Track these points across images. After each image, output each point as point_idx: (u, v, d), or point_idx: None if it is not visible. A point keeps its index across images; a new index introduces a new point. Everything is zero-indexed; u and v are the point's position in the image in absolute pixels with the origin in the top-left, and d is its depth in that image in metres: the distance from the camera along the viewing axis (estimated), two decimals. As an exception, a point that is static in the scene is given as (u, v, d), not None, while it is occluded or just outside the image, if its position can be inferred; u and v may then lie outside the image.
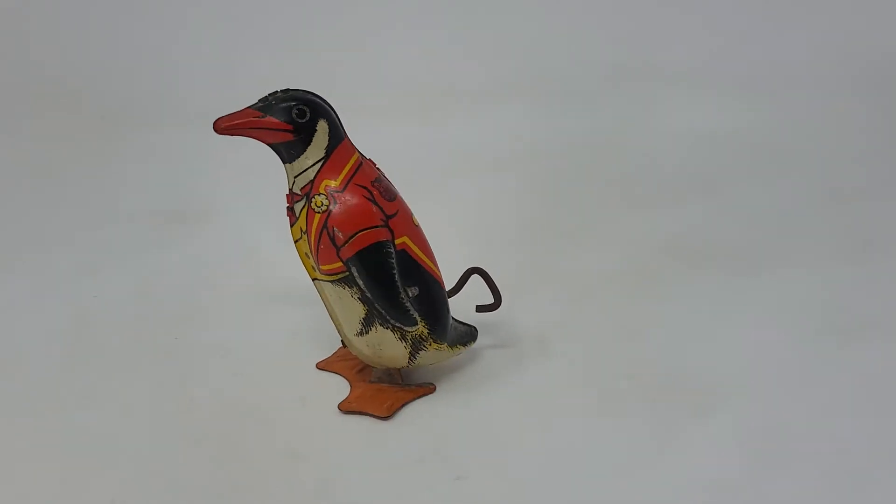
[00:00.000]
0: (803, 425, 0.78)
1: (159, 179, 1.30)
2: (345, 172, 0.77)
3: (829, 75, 1.47)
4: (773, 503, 0.71)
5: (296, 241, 0.79)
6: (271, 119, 0.74)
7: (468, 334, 0.86)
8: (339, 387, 0.86)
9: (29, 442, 0.80)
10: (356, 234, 0.76)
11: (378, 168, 0.81)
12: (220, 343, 0.92)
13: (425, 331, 0.81)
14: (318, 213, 0.76)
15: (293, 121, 0.75)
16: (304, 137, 0.75)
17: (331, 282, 0.78)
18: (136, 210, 1.21)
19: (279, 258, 0.98)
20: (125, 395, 0.85)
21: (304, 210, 0.77)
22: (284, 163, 0.77)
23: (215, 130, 0.74)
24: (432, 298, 0.81)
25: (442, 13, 1.56)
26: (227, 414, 0.82)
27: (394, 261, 0.77)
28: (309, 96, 0.76)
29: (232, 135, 0.74)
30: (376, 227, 0.76)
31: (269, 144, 0.76)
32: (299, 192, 0.77)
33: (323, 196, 0.76)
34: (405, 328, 0.80)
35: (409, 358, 0.82)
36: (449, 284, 0.85)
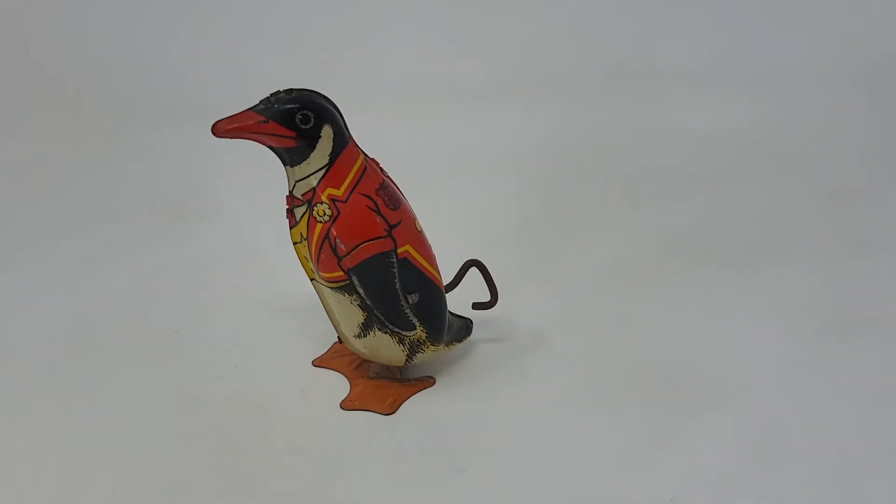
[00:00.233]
0: (803, 423, 0.78)
1: (159, 178, 1.30)
2: (349, 180, 0.74)
3: (828, 74, 1.47)
4: (772, 500, 0.71)
5: (295, 244, 0.78)
6: (273, 125, 0.71)
7: (464, 328, 0.86)
8: (338, 382, 0.86)
9: (29, 439, 0.80)
10: (359, 245, 0.74)
11: (382, 169, 0.79)
12: (220, 340, 0.92)
13: (423, 335, 0.81)
14: (320, 222, 0.74)
15: (297, 127, 0.71)
16: (307, 144, 0.72)
17: (330, 288, 0.78)
18: (137, 208, 1.21)
19: (279, 256, 0.98)
20: (125, 392, 0.85)
21: (306, 216, 0.75)
22: (285, 165, 0.75)
23: (214, 134, 0.70)
24: (432, 304, 0.80)
25: (441, 12, 1.56)
26: (226, 410, 0.83)
27: (395, 270, 0.76)
28: (314, 98, 0.72)
29: (232, 138, 0.71)
30: (379, 238, 0.75)
31: (269, 147, 0.74)
32: (300, 197, 0.75)
33: (325, 205, 0.74)
34: (403, 333, 0.80)
35: (407, 359, 0.82)
36: (447, 280, 0.86)
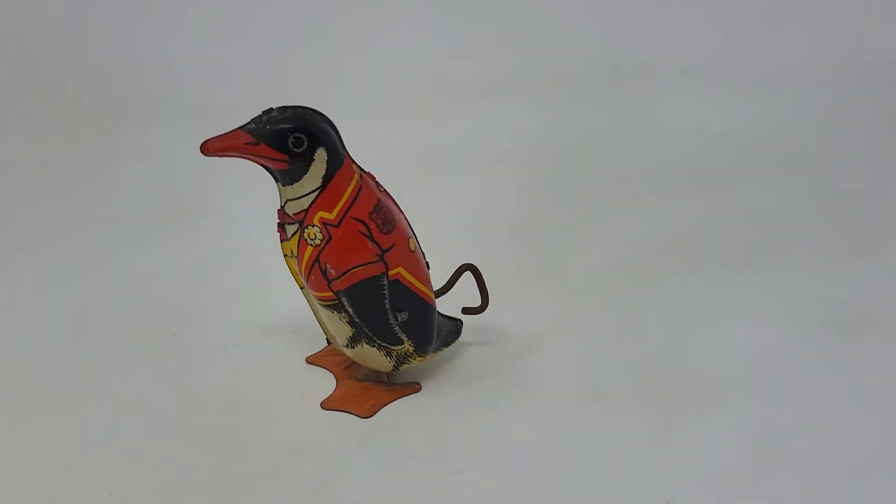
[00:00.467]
0: (803, 423, 0.79)
1: (158, 178, 1.30)
2: (341, 204, 0.72)
3: (828, 75, 1.46)
4: (772, 501, 0.71)
5: (285, 256, 0.78)
6: (265, 147, 0.69)
7: (453, 331, 0.85)
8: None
9: (27, 438, 0.81)
10: (349, 270, 0.74)
11: (378, 184, 0.77)
12: (219, 340, 0.93)
13: (410, 348, 0.81)
14: (311, 245, 0.73)
15: (289, 150, 0.69)
16: (300, 167, 0.70)
17: (320, 305, 0.78)
18: (136, 208, 1.22)
19: (277, 256, 0.98)
20: (123, 392, 0.86)
21: (297, 236, 0.74)
22: (277, 182, 0.74)
23: (203, 153, 0.69)
24: (421, 321, 0.80)
25: (440, 12, 1.56)
26: (225, 410, 0.83)
27: (386, 292, 0.76)
28: (308, 118, 0.70)
29: (221, 157, 0.70)
30: (370, 263, 0.74)
31: (261, 166, 0.72)
32: (292, 216, 0.74)
33: (317, 228, 0.72)
34: (391, 347, 0.80)
35: (394, 369, 0.82)
36: (440, 284, 0.86)
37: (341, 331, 0.79)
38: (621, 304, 0.96)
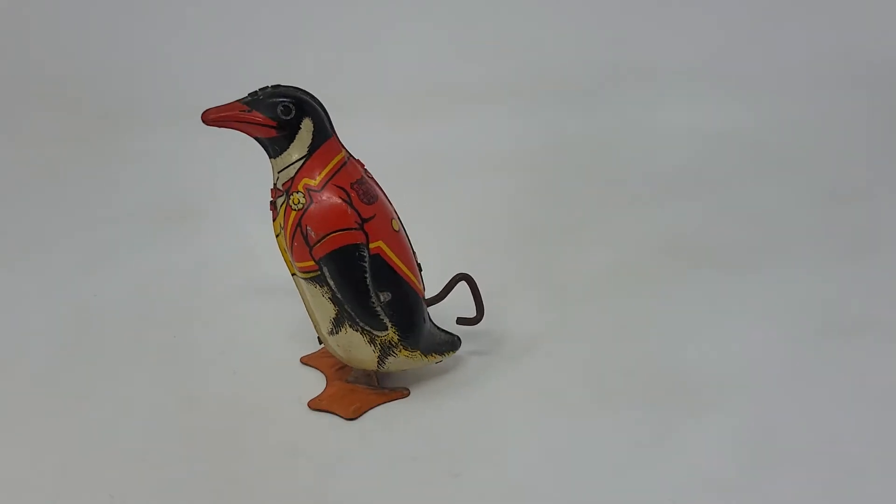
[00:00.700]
0: (802, 425, 0.78)
1: (158, 179, 1.32)
2: (325, 172, 0.77)
3: (828, 76, 1.47)
4: (772, 502, 0.71)
5: (277, 236, 0.81)
6: (256, 114, 0.75)
7: (448, 343, 0.86)
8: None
9: (28, 438, 0.81)
10: (329, 234, 0.76)
11: (365, 170, 0.81)
12: (219, 341, 0.93)
13: (395, 337, 0.81)
14: (295, 210, 0.77)
15: (278, 117, 0.75)
16: (287, 134, 0.76)
17: (305, 279, 0.80)
18: (136, 209, 1.23)
19: (277, 257, 0.98)
20: (124, 393, 0.87)
21: (284, 206, 0.78)
22: (270, 157, 0.79)
23: (203, 121, 0.76)
24: (405, 305, 0.81)
25: (439, 14, 1.57)
26: (225, 411, 0.84)
27: (366, 265, 0.78)
28: (297, 93, 0.76)
29: (219, 126, 0.76)
30: (350, 229, 0.77)
31: (255, 139, 0.78)
32: (281, 188, 0.78)
33: (301, 194, 0.77)
34: (374, 332, 0.80)
35: (378, 362, 0.82)
36: (439, 288, 0.86)
37: (325, 311, 0.80)
38: (621, 306, 0.96)
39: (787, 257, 1.04)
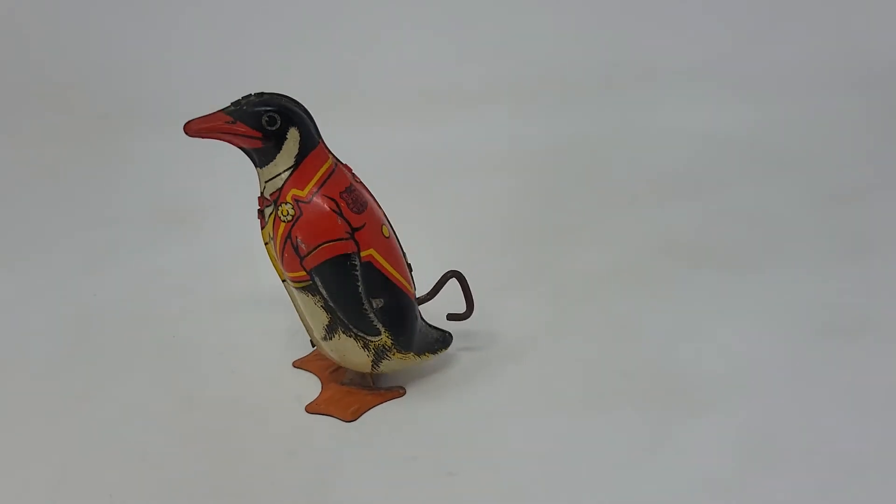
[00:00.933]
0: (800, 426, 0.79)
1: (158, 180, 1.31)
2: (313, 182, 0.76)
3: (826, 78, 1.47)
4: (769, 503, 0.71)
5: (265, 244, 0.80)
6: (241, 125, 0.74)
7: (440, 340, 0.86)
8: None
9: (28, 439, 0.82)
10: (319, 245, 0.76)
11: (354, 175, 0.80)
12: (218, 341, 0.94)
13: (388, 341, 0.81)
14: (284, 221, 0.76)
15: (263, 128, 0.74)
16: (273, 145, 0.75)
17: (296, 288, 0.79)
18: (135, 210, 1.23)
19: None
20: (124, 394, 0.87)
21: (272, 216, 0.77)
22: (256, 167, 0.78)
23: (185, 132, 0.74)
24: (397, 310, 0.81)
25: (438, 16, 1.57)
26: (224, 412, 0.84)
27: (358, 273, 0.77)
28: (282, 102, 0.75)
29: (202, 137, 0.75)
30: (340, 239, 0.76)
31: (240, 148, 0.76)
32: (268, 198, 0.77)
33: (289, 205, 0.76)
34: (368, 338, 0.80)
35: (372, 365, 0.82)
36: (431, 285, 0.86)
37: (318, 318, 0.80)
38: (619, 306, 0.96)
39: (786, 258, 1.04)
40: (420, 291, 0.86)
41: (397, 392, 0.84)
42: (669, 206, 1.17)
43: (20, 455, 0.79)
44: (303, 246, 0.76)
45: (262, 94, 0.75)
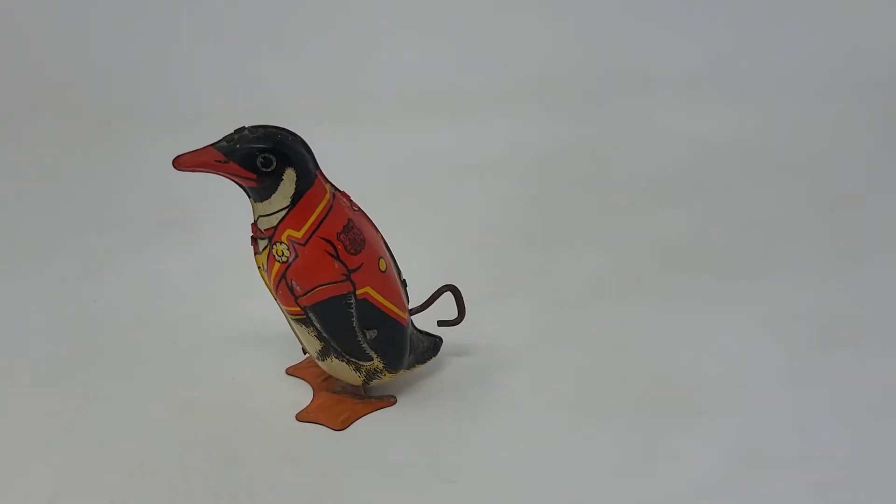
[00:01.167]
0: (795, 432, 0.79)
1: (158, 185, 1.30)
2: (310, 223, 0.74)
3: (825, 81, 1.46)
4: None
5: (259, 269, 0.79)
6: (234, 166, 0.71)
7: (431, 348, 0.86)
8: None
9: (28, 443, 0.82)
10: (315, 288, 0.75)
11: (352, 203, 0.79)
12: (219, 347, 0.94)
13: (380, 365, 0.82)
14: (279, 261, 0.75)
15: (258, 170, 0.71)
16: (269, 185, 0.72)
17: (292, 318, 0.79)
18: (136, 215, 1.23)
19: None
20: (122, 398, 0.87)
21: (266, 251, 0.76)
22: (249, 198, 0.76)
23: (175, 167, 0.71)
24: (391, 339, 0.81)
25: (438, 19, 1.55)
26: (222, 418, 0.84)
27: (353, 311, 0.77)
28: (278, 138, 0.72)
29: (192, 172, 0.72)
30: (337, 282, 0.75)
31: (234, 182, 0.74)
32: (263, 231, 0.76)
33: (285, 245, 0.74)
34: (360, 363, 0.81)
35: (364, 383, 0.83)
36: (430, 291, 0.87)
37: (312, 344, 0.81)
38: (615, 312, 0.97)
39: (783, 263, 1.04)
40: (415, 299, 0.86)
41: (388, 401, 0.85)
42: (666, 211, 1.17)
43: (20, 459, 0.80)
44: (298, 288, 0.75)
45: (256, 128, 0.72)
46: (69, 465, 0.79)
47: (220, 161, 0.70)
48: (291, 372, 0.90)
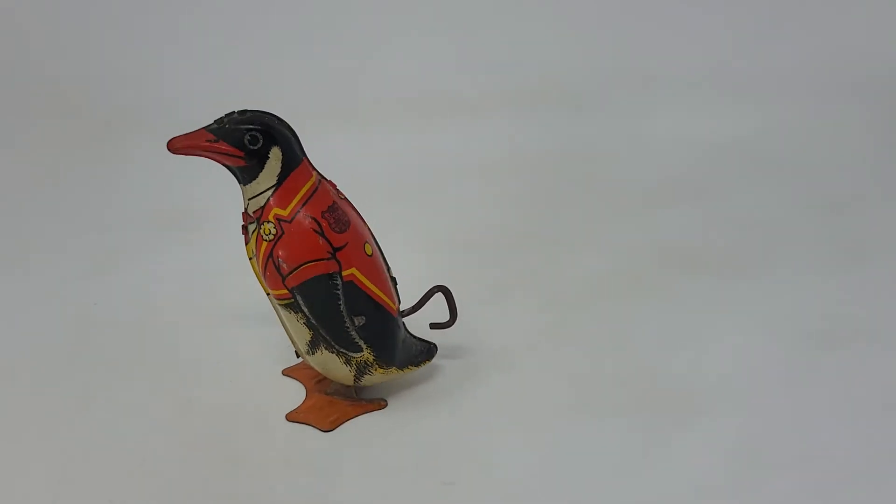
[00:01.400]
0: (793, 433, 0.79)
1: (158, 186, 1.32)
2: (296, 201, 0.77)
3: (823, 82, 1.46)
4: None
5: (250, 259, 0.81)
6: (223, 144, 0.74)
7: (424, 352, 0.86)
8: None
9: (27, 444, 0.82)
10: (300, 266, 0.76)
11: (338, 191, 0.81)
12: (217, 349, 0.94)
13: (370, 357, 0.82)
14: (266, 240, 0.77)
15: (245, 147, 0.74)
16: (256, 163, 0.75)
17: (280, 305, 0.80)
18: (136, 216, 1.23)
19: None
20: (124, 400, 0.87)
21: (255, 233, 0.78)
22: (239, 184, 0.78)
23: (169, 150, 0.75)
24: (379, 327, 0.81)
25: (436, 23, 1.56)
26: (222, 419, 0.84)
27: (339, 292, 0.78)
28: (265, 120, 0.75)
29: (185, 154, 0.75)
30: (321, 259, 0.77)
31: (224, 165, 0.77)
32: (252, 215, 0.78)
33: (271, 224, 0.76)
34: (350, 354, 0.81)
35: (355, 379, 0.83)
36: (421, 294, 0.86)
37: (301, 334, 0.81)
38: (614, 314, 0.97)
39: (782, 264, 1.04)
40: (408, 301, 0.86)
41: (378, 404, 0.85)
42: (667, 212, 1.17)
43: (20, 460, 0.80)
44: (284, 265, 0.76)
45: (245, 111, 0.75)
46: (69, 465, 0.79)
47: (210, 141, 0.74)
48: (287, 373, 0.90)
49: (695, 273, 1.03)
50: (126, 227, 1.21)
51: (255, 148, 0.74)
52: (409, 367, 0.85)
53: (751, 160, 1.31)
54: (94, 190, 1.32)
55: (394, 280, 0.84)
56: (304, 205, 0.77)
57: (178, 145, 0.74)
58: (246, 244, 0.80)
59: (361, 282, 0.79)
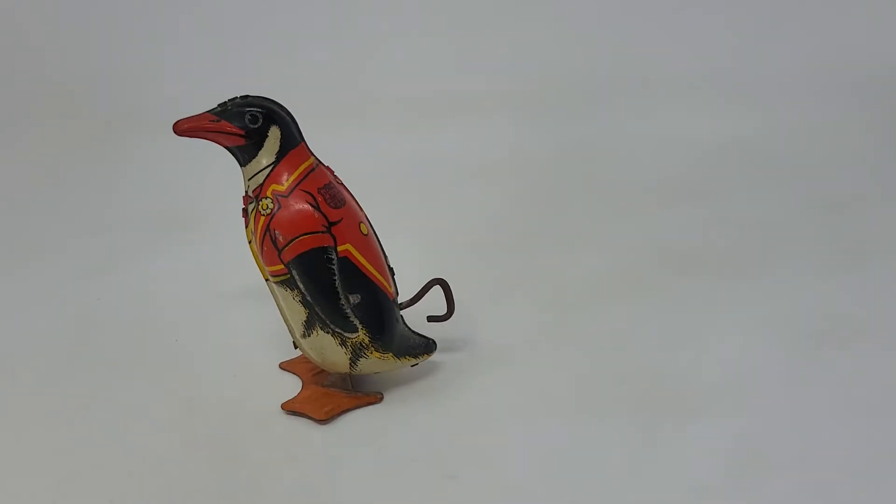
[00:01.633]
0: (792, 433, 0.79)
1: (160, 185, 1.32)
2: (293, 178, 0.79)
3: (823, 82, 1.47)
4: None
5: (249, 243, 0.82)
6: (225, 124, 0.78)
7: (423, 346, 0.86)
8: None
9: (29, 443, 0.82)
10: (296, 238, 0.78)
11: (335, 176, 0.83)
12: (219, 346, 0.94)
13: (366, 338, 0.82)
14: (264, 215, 0.79)
15: (245, 126, 0.78)
16: (255, 142, 0.78)
17: (276, 283, 0.81)
18: (138, 215, 1.24)
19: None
20: (126, 398, 0.87)
21: (254, 212, 0.80)
22: (240, 165, 0.81)
23: (174, 131, 0.78)
24: (375, 307, 0.82)
25: (437, 23, 1.57)
26: (224, 416, 0.84)
27: (334, 267, 0.79)
28: (265, 102, 0.79)
29: (189, 136, 0.78)
30: (316, 232, 0.78)
31: (225, 148, 0.80)
32: (251, 195, 0.80)
33: (269, 199, 0.79)
34: (345, 334, 0.81)
35: (350, 364, 0.83)
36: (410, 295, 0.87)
37: (297, 314, 0.81)
38: (614, 314, 0.97)
39: (782, 265, 1.04)
40: (407, 296, 0.87)
41: (374, 397, 0.85)
42: (666, 212, 1.18)
43: (22, 459, 0.80)
44: (280, 238, 0.78)
45: (246, 96, 0.79)
46: (71, 464, 0.79)
47: (213, 121, 0.78)
48: (285, 366, 0.90)
49: (695, 273, 1.03)
50: (126, 227, 1.21)
51: (255, 127, 0.78)
52: (407, 357, 0.85)
53: (751, 160, 1.31)
54: (94, 190, 1.32)
55: (391, 270, 0.85)
56: (300, 181, 0.79)
57: (184, 126, 0.78)
58: (246, 227, 0.82)
59: (357, 259, 0.80)
